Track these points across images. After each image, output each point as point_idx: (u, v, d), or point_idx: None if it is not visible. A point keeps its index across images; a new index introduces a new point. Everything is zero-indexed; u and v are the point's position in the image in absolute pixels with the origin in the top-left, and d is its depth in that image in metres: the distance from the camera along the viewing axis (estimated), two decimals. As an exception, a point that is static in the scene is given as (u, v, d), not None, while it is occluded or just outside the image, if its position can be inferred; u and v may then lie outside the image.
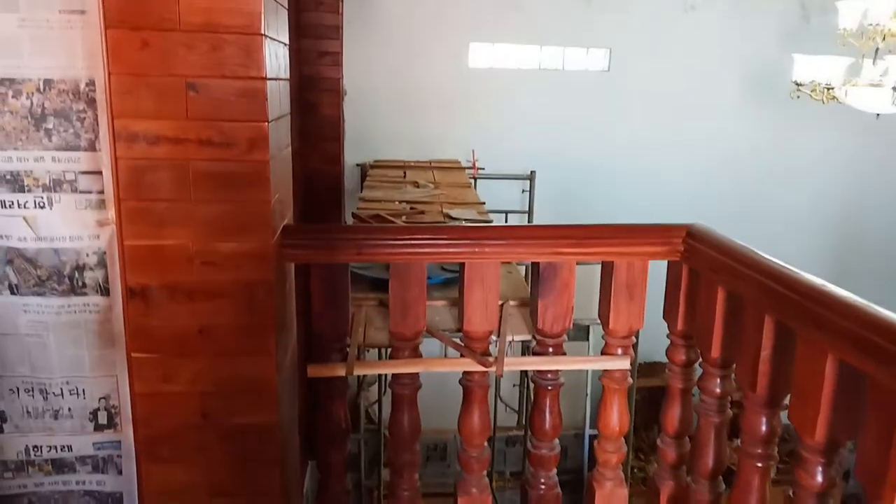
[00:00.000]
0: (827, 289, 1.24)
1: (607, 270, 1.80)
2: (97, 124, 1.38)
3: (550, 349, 1.84)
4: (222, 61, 1.36)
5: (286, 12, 1.71)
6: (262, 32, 1.37)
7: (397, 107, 5.51)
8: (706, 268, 1.65)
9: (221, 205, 1.43)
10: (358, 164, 5.43)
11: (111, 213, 1.43)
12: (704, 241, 1.68)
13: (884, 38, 3.70)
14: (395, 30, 5.39)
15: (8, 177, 1.40)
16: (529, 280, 2.17)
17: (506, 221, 5.54)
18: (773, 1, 5.66)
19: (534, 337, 1.89)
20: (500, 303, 2.09)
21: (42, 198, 1.42)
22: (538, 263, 1.79)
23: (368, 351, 2.35)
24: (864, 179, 5.99)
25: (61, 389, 1.52)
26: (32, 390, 1.52)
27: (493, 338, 1.85)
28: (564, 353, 1.86)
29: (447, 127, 5.57)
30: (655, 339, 2.00)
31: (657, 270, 1.80)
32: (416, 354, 1.78)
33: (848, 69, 3.88)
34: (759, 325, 1.40)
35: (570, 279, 1.79)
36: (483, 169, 5.50)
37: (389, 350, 1.82)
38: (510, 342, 1.96)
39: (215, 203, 1.43)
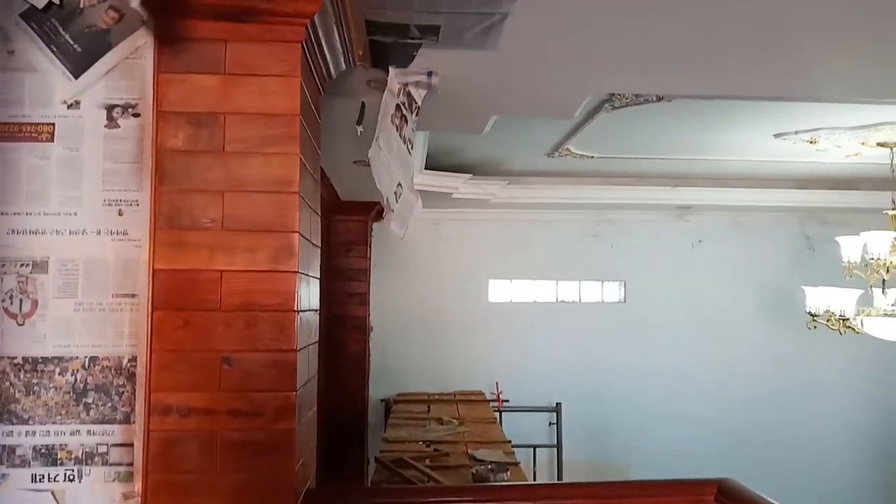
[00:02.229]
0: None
1: (641, 531, 1.72)
2: (134, 398, 1.45)
3: None
4: (256, 336, 1.46)
5: (318, 281, 1.85)
6: (296, 309, 1.49)
7: (421, 341, 5.64)
8: (744, 529, 1.58)
9: (246, 474, 1.44)
10: (382, 399, 5.42)
11: (138, 486, 1.43)
12: (736, 500, 1.62)
13: (888, 271, 3.84)
14: (419, 270, 5.71)
15: (43, 451, 1.44)
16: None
17: (534, 457, 5.36)
18: (777, 232, 5.97)
19: None
20: (530, 564, 1.97)
21: (73, 471, 1.44)
22: (568, 524, 1.72)
23: None
24: (891, 392, 5.82)
25: None
26: None
27: None
28: None
29: (470, 359, 5.65)
30: None
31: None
32: None
33: (859, 299, 3.98)
34: None
35: (602, 541, 1.71)
36: (507, 401, 5.45)
37: None
38: None
39: (241, 472, 1.44)
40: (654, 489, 1.75)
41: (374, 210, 4.78)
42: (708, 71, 2.17)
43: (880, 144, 3.98)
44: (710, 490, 1.69)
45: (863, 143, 4.02)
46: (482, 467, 2.99)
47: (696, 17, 1.71)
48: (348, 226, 4.82)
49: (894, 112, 3.48)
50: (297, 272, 1.50)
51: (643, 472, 5.25)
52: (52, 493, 1.42)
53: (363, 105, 2.33)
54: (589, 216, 5.83)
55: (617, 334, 5.76)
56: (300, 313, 1.53)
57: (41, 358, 1.44)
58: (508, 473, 2.91)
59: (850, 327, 3.88)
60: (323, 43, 1.68)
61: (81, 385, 1.44)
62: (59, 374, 1.44)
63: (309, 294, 1.70)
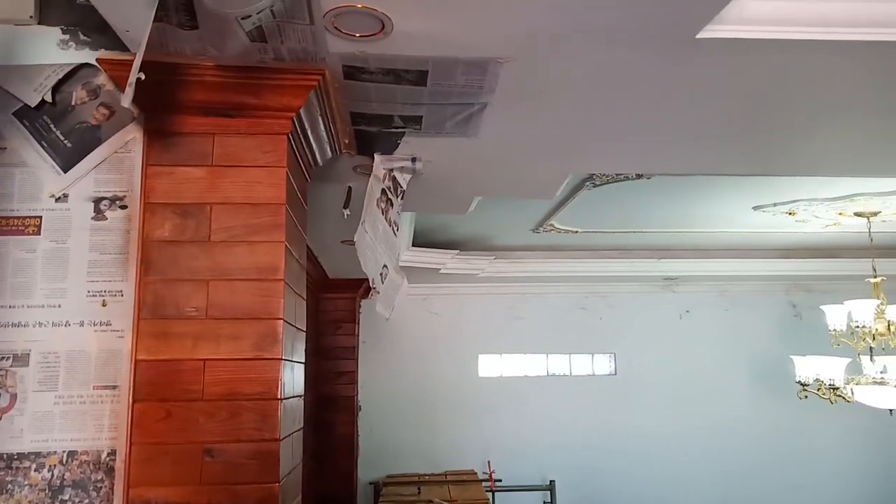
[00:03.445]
0: None
1: None
2: (112, 493, 1.41)
3: None
4: (239, 426, 1.44)
5: (302, 366, 1.84)
6: (279, 397, 1.47)
7: (410, 419, 5.54)
8: None
9: (227, 573, 1.39)
10: (371, 482, 5.28)
11: (112, 588, 1.38)
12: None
13: (874, 338, 3.86)
14: (407, 345, 5.68)
15: (14, 553, 1.39)
16: None
17: (528, 537, 5.20)
18: (764, 301, 6.01)
19: None
20: None
21: (45, 573, 1.39)
22: None
23: None
24: (890, 458, 5.73)
25: None
26: None
27: None
28: None
29: (461, 437, 5.54)
30: None
31: None
32: None
33: (848, 367, 3.98)
34: None
35: None
36: (500, 480, 5.32)
37: None
38: None
39: (220, 572, 1.39)
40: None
41: (361, 287, 4.79)
42: (685, 151, 2.24)
43: (857, 214, 4.08)
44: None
45: (840, 213, 4.11)
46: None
47: (674, 103, 1.78)
48: (336, 303, 4.82)
49: (868, 183, 3.58)
50: (282, 359, 1.50)
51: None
52: None
53: (349, 189, 2.38)
54: (577, 289, 5.86)
55: (609, 407, 5.70)
56: (284, 401, 1.52)
57: (17, 454, 1.41)
58: (502, 560, 2.81)
59: (840, 396, 3.86)
60: (309, 134, 1.74)
61: (58, 482, 1.41)
62: (36, 470, 1.41)
63: (293, 379, 1.68)
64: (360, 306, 5.10)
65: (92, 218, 1.53)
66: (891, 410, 3.95)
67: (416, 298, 5.70)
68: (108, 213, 1.53)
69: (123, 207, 1.54)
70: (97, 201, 1.54)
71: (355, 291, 4.79)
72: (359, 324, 5.07)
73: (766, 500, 5.57)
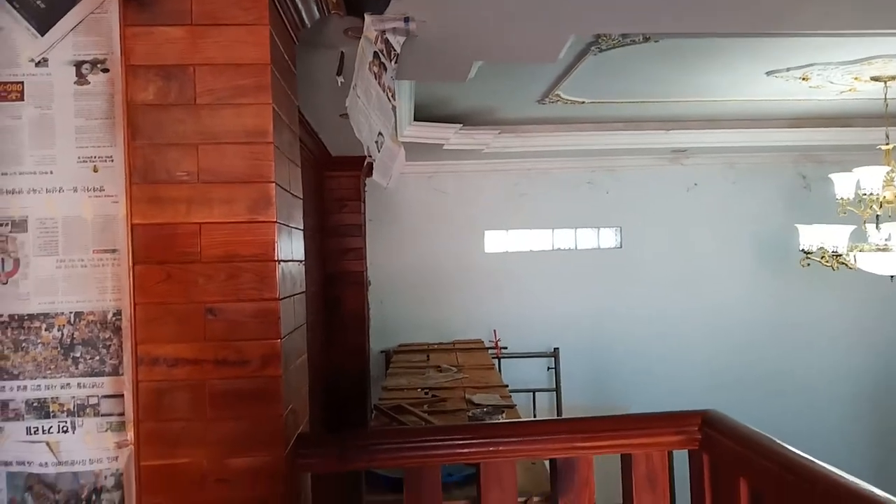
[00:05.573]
0: (847, 484, 1.21)
1: (626, 463, 1.77)
2: (122, 350, 1.48)
3: (576, 553, 1.75)
4: (238, 287, 1.48)
5: (301, 233, 1.86)
6: (276, 259, 1.50)
7: (419, 293, 5.69)
8: (725, 459, 1.62)
9: (236, 420, 1.47)
10: (382, 351, 5.50)
11: (130, 435, 1.47)
12: (721, 430, 1.66)
13: (881, 206, 3.83)
14: (414, 223, 5.72)
15: (35, 404, 1.47)
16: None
17: (533, 401, 5.46)
18: (773, 173, 5.94)
19: (558, 539, 1.81)
20: (522, 500, 2.03)
21: (66, 422, 1.48)
22: (555, 460, 1.77)
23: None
24: (886, 325, 5.88)
25: None
26: None
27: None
28: (591, 556, 1.77)
29: (468, 310, 5.70)
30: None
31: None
32: (434, 565, 1.71)
33: (852, 235, 3.98)
34: (784, 522, 1.35)
35: (588, 475, 1.76)
36: (506, 348, 5.52)
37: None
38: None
39: (230, 419, 1.47)
40: (639, 422, 1.79)
41: (365, 164, 4.76)
42: (693, 6, 2.13)
43: (874, 78, 3.93)
44: (695, 421, 1.73)
45: (856, 79, 3.96)
46: (478, 410, 3.05)
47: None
48: (341, 181, 4.81)
49: (886, 45, 3.42)
50: (276, 222, 1.51)
51: (642, 414, 5.34)
52: (47, 444, 1.46)
53: (342, 55, 2.30)
54: (584, 163, 5.80)
55: (614, 280, 5.80)
56: (281, 263, 1.55)
57: (27, 315, 1.46)
58: (504, 415, 2.98)
59: (843, 263, 3.89)
60: (292, -10, 1.66)
61: (68, 340, 1.47)
62: (46, 329, 1.47)
63: (291, 245, 1.71)
64: (364, 184, 5.09)
65: (74, 82, 1.50)
66: (892, 277, 4.00)
67: (421, 176, 5.68)
68: (90, 77, 1.50)
69: (105, 71, 1.50)
70: (78, 65, 1.50)
71: (359, 169, 4.76)
72: (364, 202, 5.09)
73: (765, 371, 5.73)
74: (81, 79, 1.50)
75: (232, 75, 1.48)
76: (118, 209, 1.48)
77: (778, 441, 1.47)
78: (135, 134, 1.46)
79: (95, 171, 1.49)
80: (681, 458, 1.85)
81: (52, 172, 1.48)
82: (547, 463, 3.00)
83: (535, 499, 2.20)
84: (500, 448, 1.72)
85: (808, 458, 1.34)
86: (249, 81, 1.49)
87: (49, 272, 1.47)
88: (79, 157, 1.49)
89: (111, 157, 1.49)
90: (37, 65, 1.49)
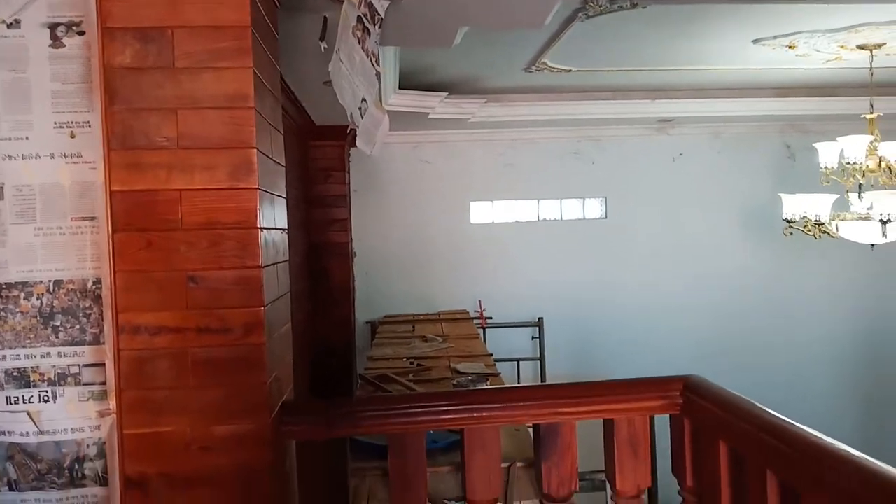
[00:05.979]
0: (824, 444, 1.23)
1: (608, 428, 1.79)
2: (102, 319, 1.46)
3: (558, 515, 1.78)
4: (220, 254, 1.46)
5: (284, 201, 1.84)
6: (258, 226, 1.48)
7: (405, 264, 5.68)
8: (706, 423, 1.64)
9: (218, 389, 1.47)
10: (367, 322, 5.51)
11: (112, 404, 1.46)
12: (702, 395, 1.68)
13: (864, 175, 3.86)
14: (399, 195, 5.69)
15: (15, 374, 1.46)
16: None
17: (518, 370, 5.51)
18: (758, 143, 5.96)
19: (541, 502, 1.84)
20: (506, 465, 2.05)
21: (47, 392, 1.47)
22: (538, 425, 1.78)
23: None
24: (877, 303, 5.97)
25: (55, 589, 1.48)
26: (26, 591, 1.48)
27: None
28: (574, 518, 1.80)
29: (454, 280, 5.71)
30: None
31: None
32: (420, 529, 1.73)
33: (835, 204, 4.01)
34: (763, 485, 1.37)
35: (571, 440, 1.77)
36: (491, 318, 5.55)
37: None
38: (518, 508, 1.90)
39: (212, 388, 1.47)
40: (622, 388, 1.81)
41: (349, 133, 4.70)
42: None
43: (860, 47, 3.92)
44: (677, 386, 1.75)
45: (842, 47, 3.95)
46: (463, 378, 3.07)
47: None
48: (325, 151, 4.76)
49: (873, 13, 3.41)
50: (258, 188, 1.49)
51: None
52: (28, 413, 1.45)
53: (325, 20, 2.26)
54: (569, 133, 5.78)
55: (599, 250, 5.82)
56: (264, 230, 1.53)
57: (4, 284, 1.44)
58: (488, 383, 3.00)
59: (825, 232, 3.93)
60: (272, -50, 1.62)
61: (48, 309, 1.45)
62: (25, 298, 1.45)
63: (274, 213, 1.69)
64: (349, 154, 5.05)
65: (49, 45, 1.46)
66: (873, 245, 4.05)
67: (406, 146, 5.63)
68: (65, 41, 1.46)
69: (81, 34, 1.46)
70: (53, 27, 1.46)
71: (343, 138, 4.71)
72: (349, 172, 5.05)
73: (751, 341, 5.79)
74: (56, 42, 1.46)
75: (211, 38, 1.45)
76: (97, 175, 1.45)
77: (758, 404, 1.49)
78: (112, 99, 1.43)
79: (73, 136, 1.46)
80: (662, 424, 1.88)
81: (28, 138, 1.45)
82: (531, 430, 3.04)
83: (519, 464, 2.23)
84: (484, 414, 1.73)
85: (786, 420, 1.37)
86: (229, 44, 1.46)
87: (27, 240, 1.45)
88: (55, 123, 1.46)
89: (88, 122, 1.46)
90: (9, 26, 1.45)
